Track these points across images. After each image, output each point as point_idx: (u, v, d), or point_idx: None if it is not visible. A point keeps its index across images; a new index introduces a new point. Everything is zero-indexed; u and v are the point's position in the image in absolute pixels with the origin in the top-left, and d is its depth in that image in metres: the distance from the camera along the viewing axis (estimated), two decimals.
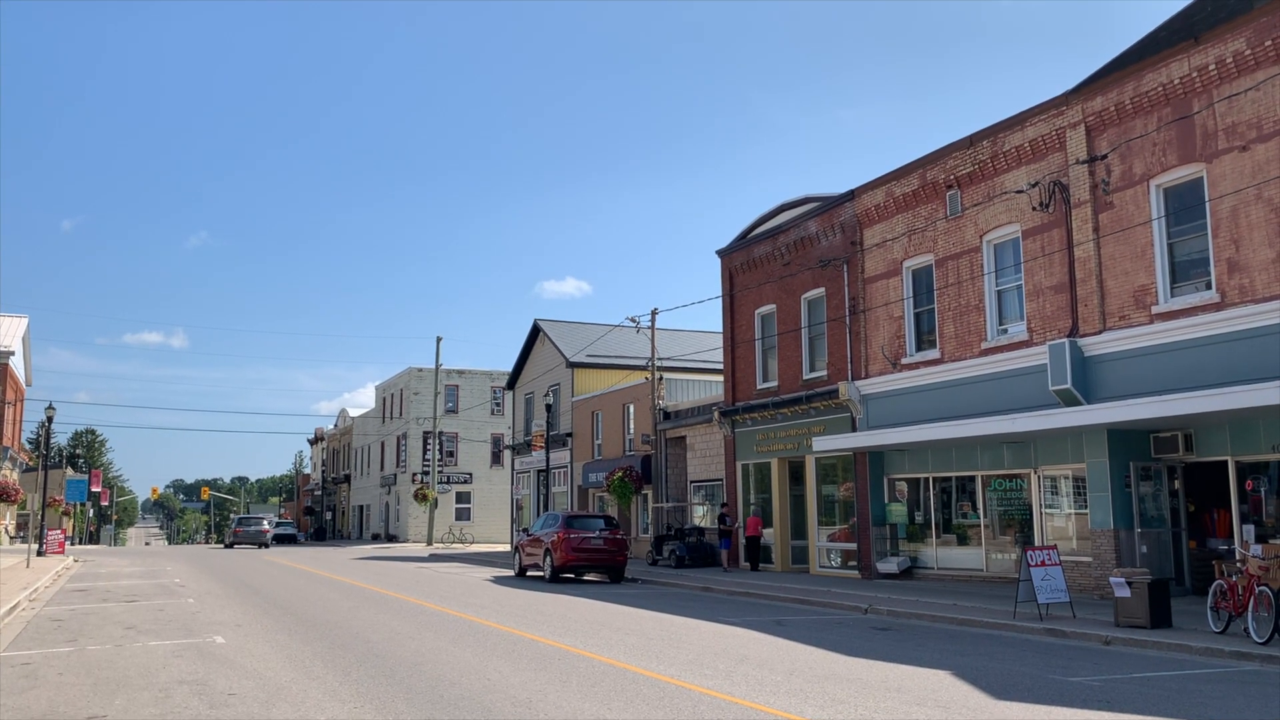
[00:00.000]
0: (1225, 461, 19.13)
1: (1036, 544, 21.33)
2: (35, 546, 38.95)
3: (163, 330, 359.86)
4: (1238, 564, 14.91)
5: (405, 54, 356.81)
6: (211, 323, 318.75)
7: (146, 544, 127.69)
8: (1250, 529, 18.26)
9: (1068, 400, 20.51)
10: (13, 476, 54.89)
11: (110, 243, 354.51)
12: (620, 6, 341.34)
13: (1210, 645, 13.53)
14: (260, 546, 59.19)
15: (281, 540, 73.28)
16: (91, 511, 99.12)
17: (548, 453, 42.98)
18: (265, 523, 64.98)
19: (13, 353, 52.53)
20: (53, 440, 55.54)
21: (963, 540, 24.64)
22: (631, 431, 41.81)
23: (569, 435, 47.02)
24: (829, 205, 28.60)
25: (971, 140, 23.72)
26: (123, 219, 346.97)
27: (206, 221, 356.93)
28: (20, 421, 61.65)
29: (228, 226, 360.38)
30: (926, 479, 25.52)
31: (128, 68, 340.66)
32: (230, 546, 61.82)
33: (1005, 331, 22.94)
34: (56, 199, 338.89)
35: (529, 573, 30.09)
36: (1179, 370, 18.65)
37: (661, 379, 39.24)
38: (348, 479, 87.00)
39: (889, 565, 25.71)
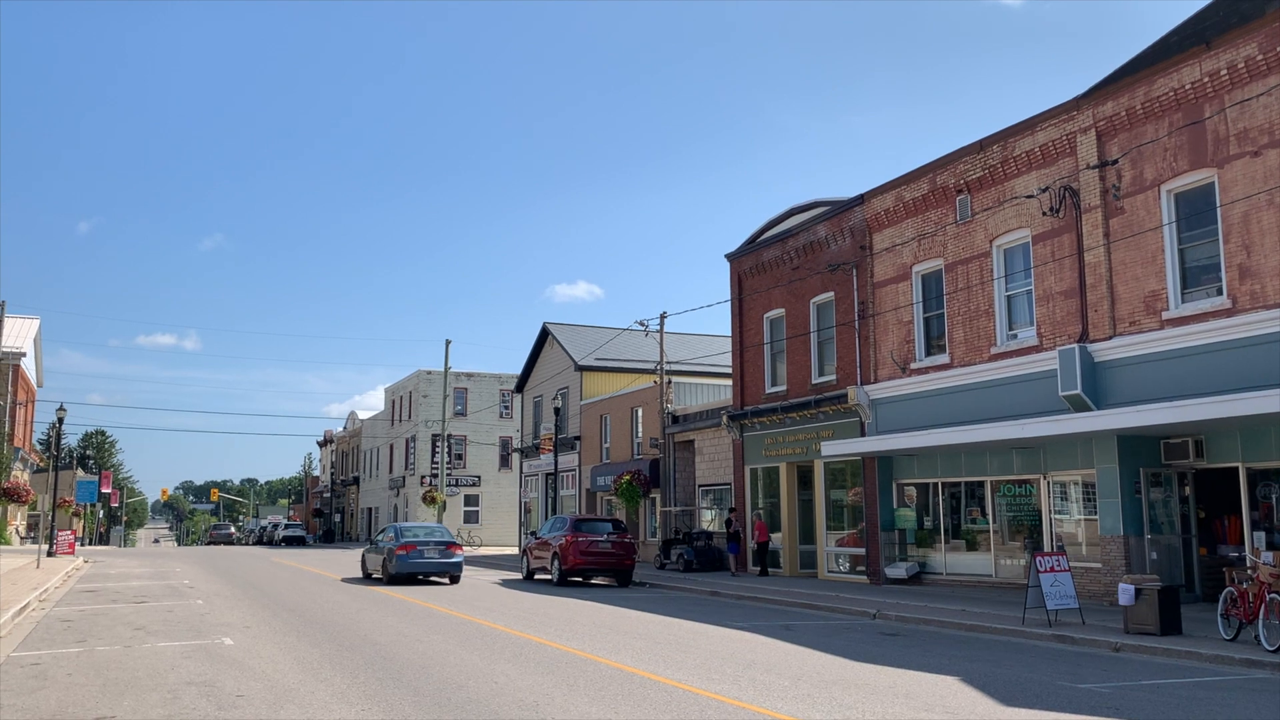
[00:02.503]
0: (1236, 468, 19.04)
1: (1045, 550, 21.26)
2: (45, 547, 39.08)
3: (175, 332, 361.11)
4: (1248, 571, 14.85)
5: (417, 57, 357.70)
6: (223, 325, 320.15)
7: (155, 541, 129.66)
8: (1261, 536, 18.17)
9: (1078, 406, 20.44)
10: (23, 477, 55.10)
11: (125, 245, 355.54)
12: (632, 12, 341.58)
13: (1220, 653, 13.47)
14: (228, 545, 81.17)
15: (290, 542, 74.03)
16: (101, 512, 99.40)
17: (556, 456, 42.98)
18: (232, 528, 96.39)
19: (24, 354, 52.75)
20: (63, 441, 55.78)
21: (971, 546, 24.57)
22: (640, 435, 41.80)
23: (577, 438, 47.03)
24: (838, 209, 28.57)
25: (981, 145, 23.68)
26: (137, 221, 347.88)
27: (220, 224, 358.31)
28: (31, 422, 61.92)
29: (241, 229, 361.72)
30: (935, 484, 25.46)
31: (144, 72, 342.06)
32: (209, 544, 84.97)
33: (1015, 337, 22.88)
34: (73, 201, 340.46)
35: (537, 576, 30.10)
36: (1190, 376, 18.58)
37: (670, 383, 39.23)
38: (356, 481, 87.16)
39: (897, 570, 25.65)
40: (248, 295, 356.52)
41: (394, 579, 27.32)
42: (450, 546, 27.65)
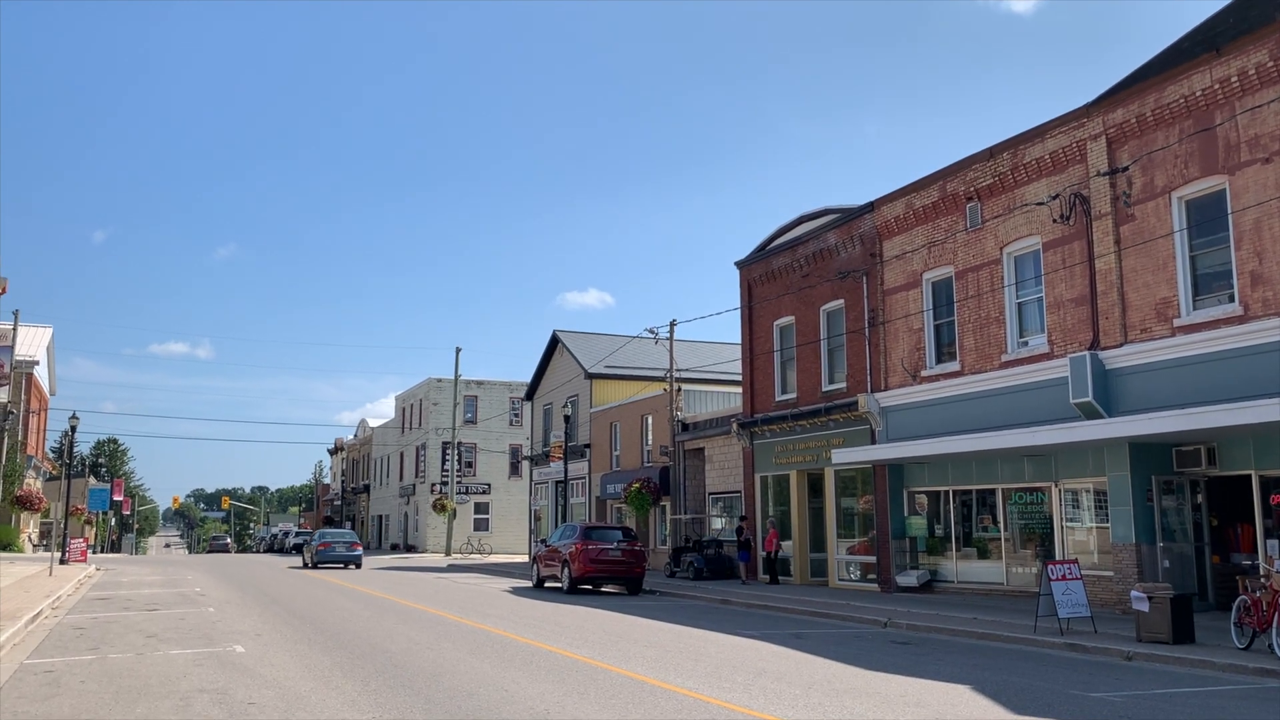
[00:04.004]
0: (1249, 476, 18.96)
1: (1057, 558, 21.19)
2: (58, 555, 39.21)
3: (188, 340, 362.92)
4: (1261, 579, 14.77)
5: (430, 67, 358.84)
6: (236, 333, 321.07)
7: (166, 547, 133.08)
8: (1274, 544, 18.01)
9: (1089, 413, 20.38)
10: (36, 485, 55.34)
11: (139, 253, 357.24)
12: (645, 23, 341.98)
13: (1233, 661, 13.40)
14: (224, 552, 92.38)
15: (301, 550, 74.27)
16: (113, 520, 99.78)
17: (566, 464, 42.98)
18: (228, 538, 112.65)
19: (37, 362, 53.02)
20: (75, 449, 56.05)
21: (983, 554, 24.49)
22: (650, 443, 41.78)
23: (587, 446, 47.05)
24: (848, 217, 28.56)
25: (991, 152, 23.66)
26: (152, 230, 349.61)
27: (234, 233, 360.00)
28: (44, 431, 62.22)
29: (254, 238, 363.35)
30: (946, 492, 25.40)
31: (158, 81, 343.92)
32: (209, 552, 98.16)
33: (1026, 344, 22.83)
34: (89, 211, 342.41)
35: (547, 584, 30.10)
36: (1201, 383, 18.52)
37: (680, 390, 39.21)
38: (367, 489, 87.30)
39: (908, 578, 25.57)
40: (260, 303, 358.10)
41: (315, 565, 43.35)
42: (352, 545, 43.97)
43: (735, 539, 32.77)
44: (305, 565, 44.65)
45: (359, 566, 42.98)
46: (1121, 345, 20.22)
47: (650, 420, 41.82)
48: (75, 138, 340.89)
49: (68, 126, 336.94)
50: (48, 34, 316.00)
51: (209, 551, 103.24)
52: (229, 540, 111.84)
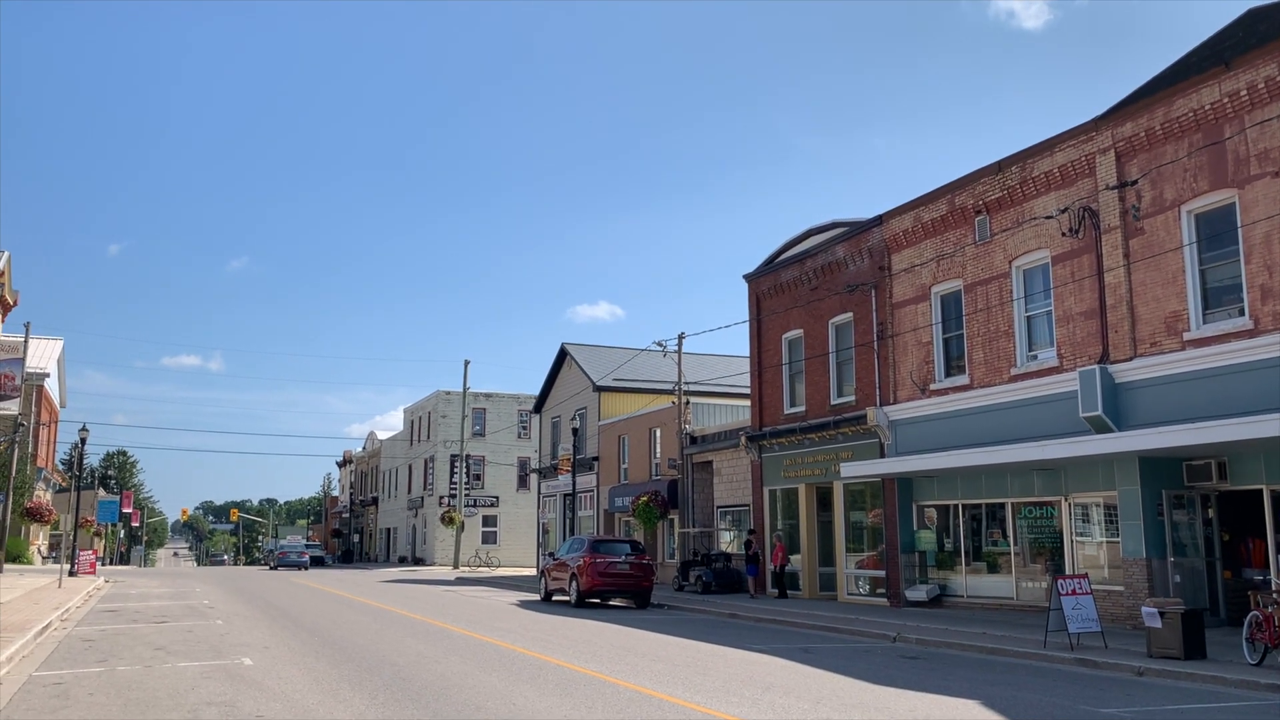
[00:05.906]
0: (1260, 490, 18.87)
1: (1067, 572, 21.09)
2: (67, 567, 39.28)
3: (199, 353, 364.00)
4: (1274, 594, 14.69)
5: (443, 84, 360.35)
6: (247, 346, 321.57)
7: (175, 555, 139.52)
8: None
9: (1099, 427, 20.31)
10: (46, 497, 55.50)
11: (153, 266, 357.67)
12: (655, 41, 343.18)
13: (1245, 677, 13.31)
14: (220, 565, 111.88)
15: (268, 557, 76.12)
16: (122, 532, 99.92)
17: (574, 477, 42.97)
18: (225, 557, 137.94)
19: (48, 374, 53.22)
20: (85, 461, 56.23)
21: (993, 568, 24.39)
22: (658, 456, 41.76)
23: (595, 459, 47.03)
24: (857, 230, 28.57)
25: (1000, 166, 23.67)
26: (166, 243, 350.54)
27: (248, 247, 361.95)
28: (54, 443, 62.37)
29: (267, 252, 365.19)
30: (956, 506, 25.32)
31: (176, 94, 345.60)
32: (214, 565, 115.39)
33: (1035, 358, 22.78)
34: (105, 223, 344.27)
35: (555, 597, 30.05)
36: (1211, 397, 18.45)
37: (688, 403, 39.19)
38: (375, 501, 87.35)
39: (918, 593, 25.48)
40: (271, 316, 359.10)
41: (276, 568, 59.94)
42: (301, 553, 63.60)
43: (744, 552, 32.69)
44: (269, 568, 62.67)
45: (307, 569, 59.21)
46: (1131, 359, 20.16)
47: (658, 433, 41.80)
48: (91, 151, 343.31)
49: (83, 139, 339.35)
50: (62, 47, 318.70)
51: (211, 563, 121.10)
52: (225, 558, 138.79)
